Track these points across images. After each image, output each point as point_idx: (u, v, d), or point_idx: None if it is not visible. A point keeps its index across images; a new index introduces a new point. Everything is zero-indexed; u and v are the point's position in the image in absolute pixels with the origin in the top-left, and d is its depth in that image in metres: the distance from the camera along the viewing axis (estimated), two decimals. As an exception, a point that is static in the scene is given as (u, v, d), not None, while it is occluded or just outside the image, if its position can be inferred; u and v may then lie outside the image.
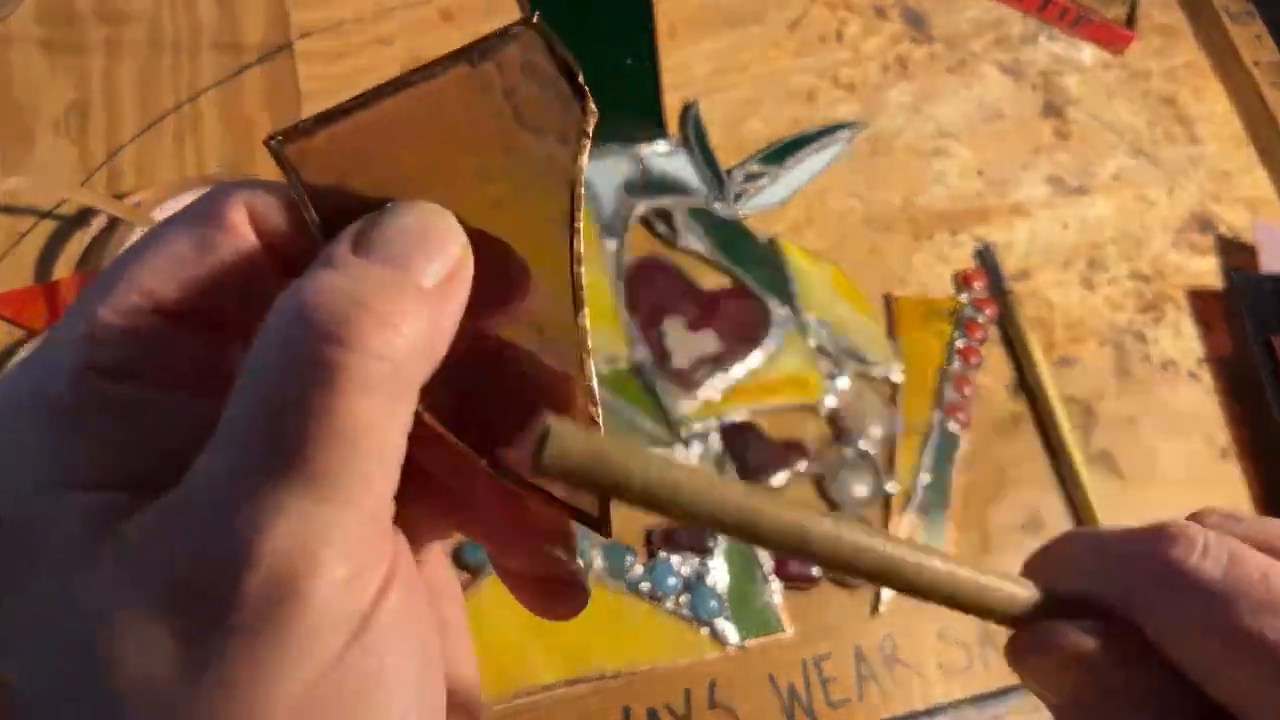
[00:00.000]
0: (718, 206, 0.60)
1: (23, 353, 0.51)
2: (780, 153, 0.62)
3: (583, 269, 0.19)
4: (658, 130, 0.62)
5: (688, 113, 0.63)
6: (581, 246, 0.19)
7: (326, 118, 0.18)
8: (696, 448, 0.53)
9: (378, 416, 0.15)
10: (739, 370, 0.55)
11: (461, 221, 0.18)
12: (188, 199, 0.56)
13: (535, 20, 0.18)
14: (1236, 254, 0.65)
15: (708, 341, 0.56)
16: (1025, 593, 0.20)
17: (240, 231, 0.18)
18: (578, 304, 0.19)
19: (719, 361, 0.55)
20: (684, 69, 0.64)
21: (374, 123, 0.18)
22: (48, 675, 0.14)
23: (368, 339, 0.15)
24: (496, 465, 0.19)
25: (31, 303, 0.52)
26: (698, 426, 0.53)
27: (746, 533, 0.17)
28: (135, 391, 0.17)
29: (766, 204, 0.61)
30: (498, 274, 0.18)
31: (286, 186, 0.18)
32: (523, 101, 0.18)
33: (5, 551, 0.15)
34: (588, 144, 0.18)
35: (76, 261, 0.53)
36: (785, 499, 0.18)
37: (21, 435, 0.16)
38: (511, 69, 0.18)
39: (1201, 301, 0.63)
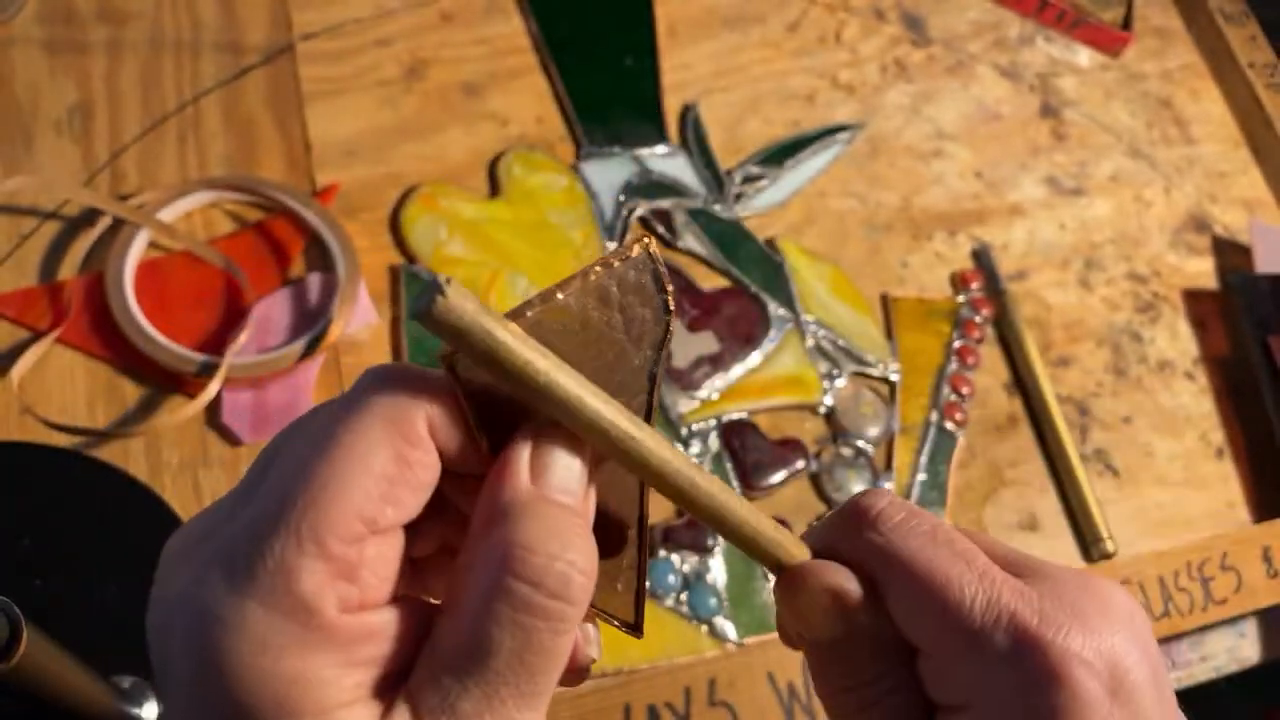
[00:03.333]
0: (717, 207, 0.60)
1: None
2: (779, 154, 0.63)
3: (653, 450, 0.22)
4: (657, 131, 0.62)
5: (687, 114, 0.63)
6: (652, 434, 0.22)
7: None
8: (696, 446, 0.53)
9: (571, 639, 0.20)
10: (738, 370, 0.55)
11: None
12: (190, 202, 0.56)
13: (649, 245, 0.22)
14: (1232, 254, 0.65)
15: (707, 341, 0.56)
16: (796, 547, 0.24)
17: (428, 446, 0.20)
18: (644, 485, 0.23)
19: (718, 361, 0.55)
20: (684, 70, 0.65)
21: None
22: None
23: (578, 593, 0.19)
24: None
25: (35, 303, 0.52)
26: (697, 425, 0.54)
27: (575, 420, 0.20)
28: (367, 618, 0.19)
29: (766, 205, 0.61)
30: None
31: (449, 384, 0.21)
32: (629, 314, 0.22)
33: None
34: (668, 350, 0.23)
35: (80, 263, 0.53)
36: (625, 409, 0.21)
37: (284, 663, 0.18)
38: (625, 286, 0.22)
39: (1198, 302, 0.63)
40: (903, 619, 0.23)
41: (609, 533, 0.23)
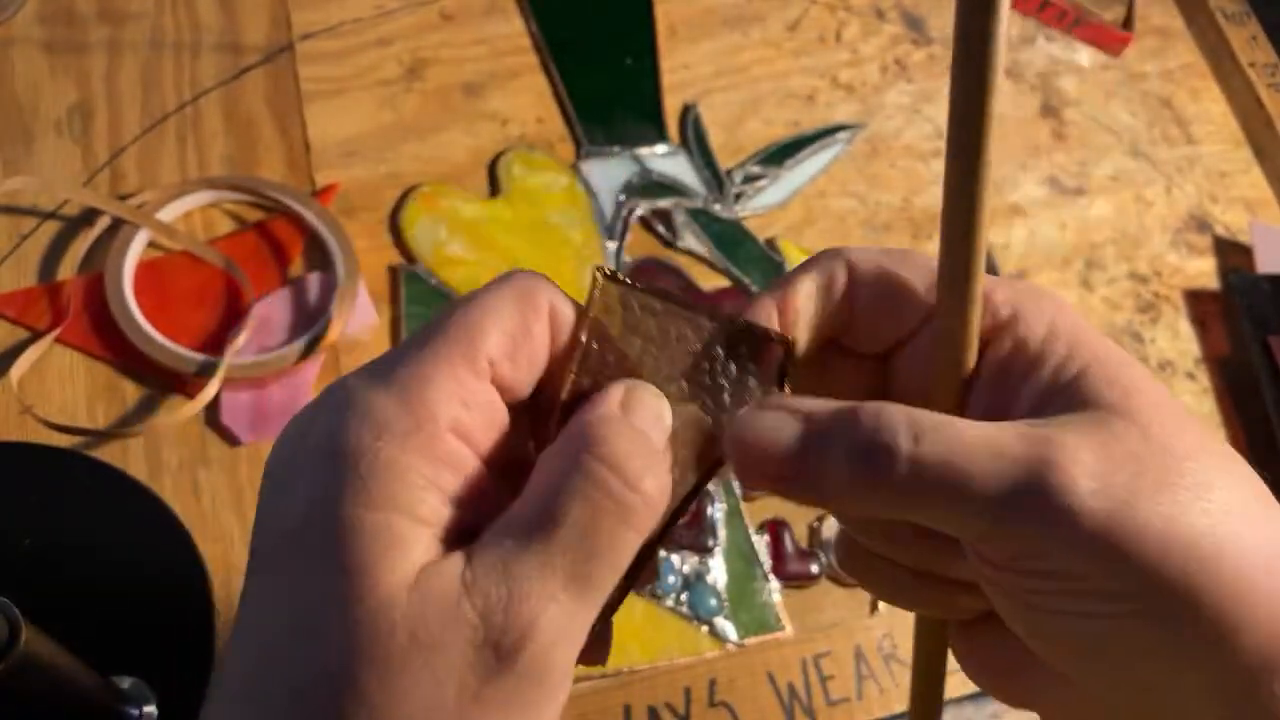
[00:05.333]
0: (717, 207, 0.60)
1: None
2: (780, 154, 0.63)
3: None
4: (657, 131, 0.62)
5: (687, 114, 0.63)
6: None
7: (632, 288, 0.23)
8: (696, 447, 0.53)
9: (636, 545, 0.20)
10: (738, 370, 0.55)
11: None
12: (190, 202, 0.56)
13: (778, 334, 0.23)
14: (1233, 254, 0.65)
15: (707, 341, 0.56)
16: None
17: (545, 324, 0.22)
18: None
19: (718, 361, 0.55)
20: (684, 70, 0.64)
21: (648, 310, 0.23)
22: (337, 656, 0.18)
23: (650, 492, 0.20)
24: None
25: (35, 303, 0.52)
26: (697, 426, 0.54)
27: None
28: (464, 450, 0.20)
29: (766, 205, 0.61)
30: None
31: (580, 305, 0.23)
32: (717, 365, 0.24)
33: (323, 552, 0.19)
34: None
35: (80, 262, 0.53)
36: None
37: (389, 450, 0.19)
38: (718, 342, 0.23)
39: (1199, 302, 0.63)
40: (866, 321, 0.24)
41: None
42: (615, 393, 0.22)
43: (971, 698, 0.49)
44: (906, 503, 0.21)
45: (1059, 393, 0.21)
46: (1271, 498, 0.21)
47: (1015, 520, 0.20)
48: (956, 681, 0.26)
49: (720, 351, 0.23)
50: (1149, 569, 0.19)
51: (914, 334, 0.24)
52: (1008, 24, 0.20)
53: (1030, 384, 0.22)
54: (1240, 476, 0.21)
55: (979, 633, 0.25)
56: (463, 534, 0.20)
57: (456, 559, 0.19)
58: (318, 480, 0.19)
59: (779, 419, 0.22)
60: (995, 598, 0.22)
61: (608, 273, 0.23)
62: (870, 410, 0.21)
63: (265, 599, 0.19)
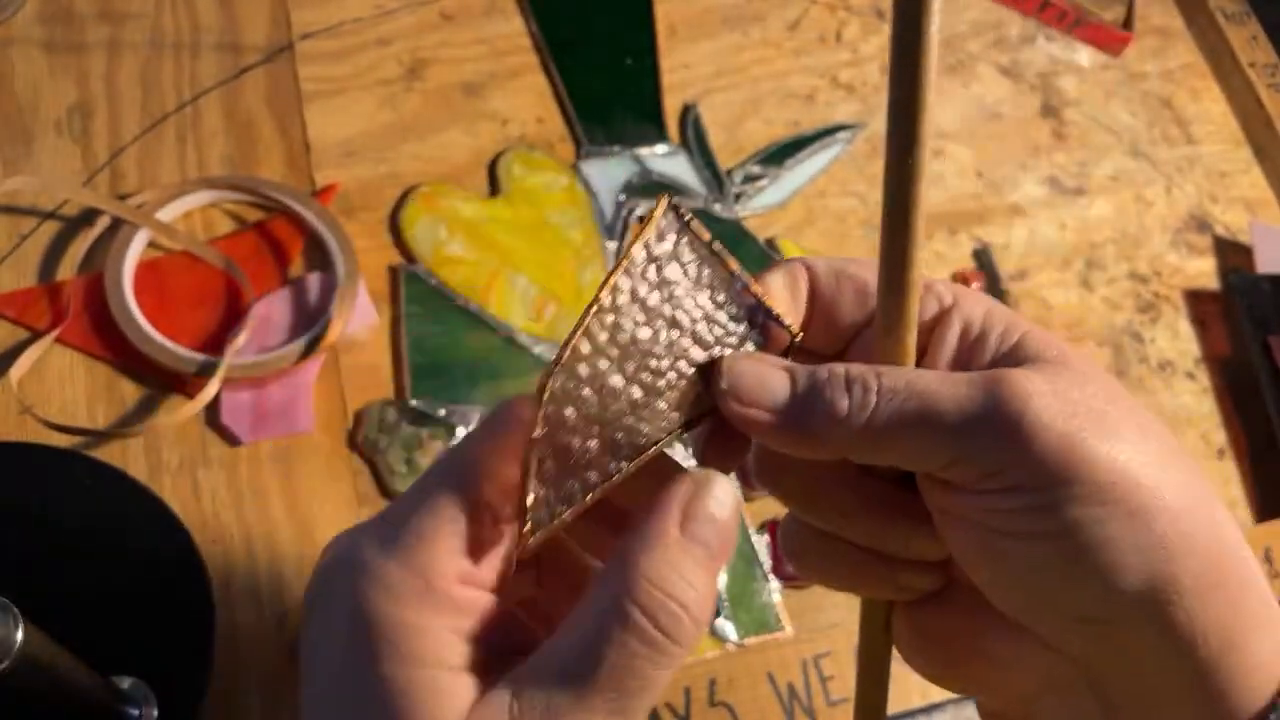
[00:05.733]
0: (717, 207, 0.60)
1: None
2: (780, 154, 0.63)
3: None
4: (657, 131, 0.62)
5: (687, 114, 0.63)
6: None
7: (687, 225, 0.24)
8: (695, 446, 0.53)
9: (670, 676, 0.21)
10: (738, 370, 0.55)
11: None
12: (189, 202, 0.56)
13: (788, 326, 0.25)
14: (1233, 254, 0.65)
15: (707, 341, 0.56)
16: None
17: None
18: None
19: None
20: (684, 70, 0.64)
21: (694, 246, 0.24)
22: None
23: (685, 635, 0.21)
24: None
25: (35, 303, 0.52)
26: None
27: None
28: (480, 595, 0.22)
29: (766, 205, 0.61)
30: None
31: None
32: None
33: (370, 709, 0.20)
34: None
35: (80, 262, 0.53)
36: None
37: (409, 612, 0.21)
38: (739, 304, 0.24)
39: (1199, 302, 0.63)
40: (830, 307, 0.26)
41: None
42: (675, 501, 0.22)
43: (971, 698, 0.49)
44: (883, 431, 0.22)
45: (1004, 358, 0.24)
46: (1185, 452, 0.24)
47: (978, 437, 0.22)
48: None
49: (739, 312, 0.24)
50: (1100, 486, 0.21)
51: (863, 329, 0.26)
52: (939, 17, 0.21)
53: (978, 358, 0.24)
54: (1163, 427, 0.23)
55: (922, 614, 0.26)
56: (500, 660, 0.22)
57: (502, 697, 0.21)
58: (349, 643, 0.21)
59: (767, 370, 0.23)
60: (954, 535, 0.23)
61: (672, 202, 0.24)
62: (840, 365, 0.23)
63: None
